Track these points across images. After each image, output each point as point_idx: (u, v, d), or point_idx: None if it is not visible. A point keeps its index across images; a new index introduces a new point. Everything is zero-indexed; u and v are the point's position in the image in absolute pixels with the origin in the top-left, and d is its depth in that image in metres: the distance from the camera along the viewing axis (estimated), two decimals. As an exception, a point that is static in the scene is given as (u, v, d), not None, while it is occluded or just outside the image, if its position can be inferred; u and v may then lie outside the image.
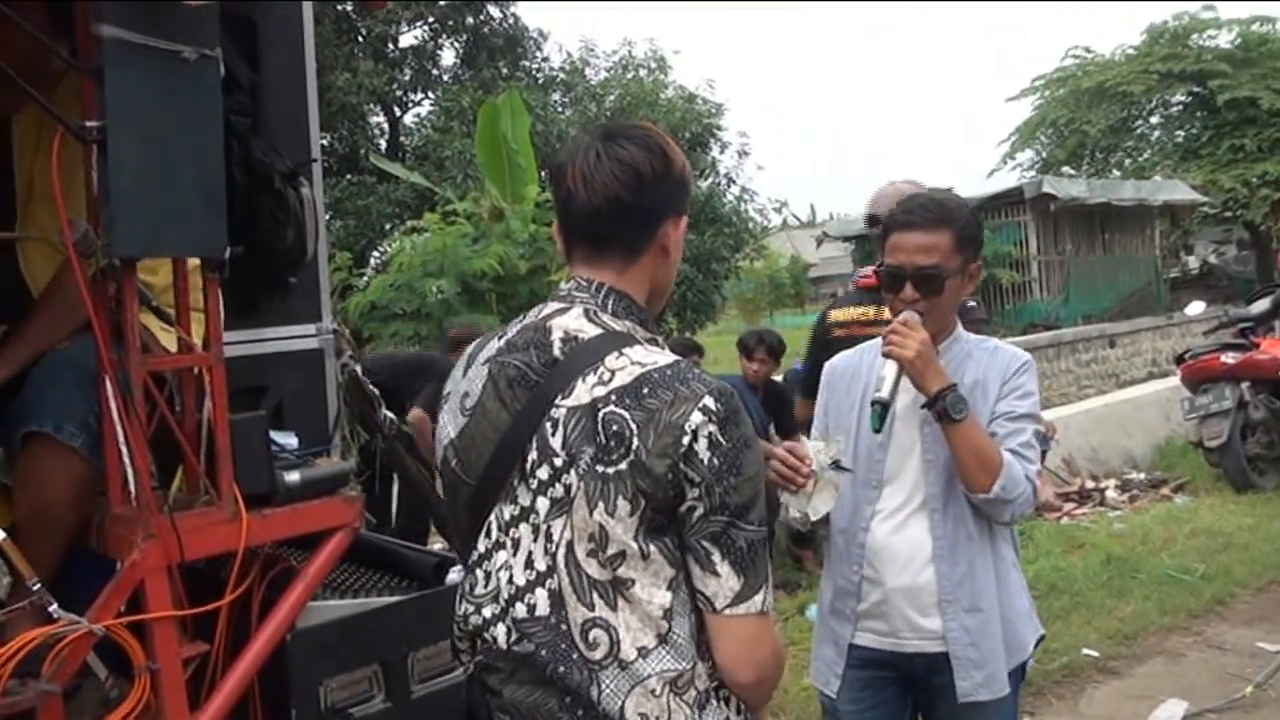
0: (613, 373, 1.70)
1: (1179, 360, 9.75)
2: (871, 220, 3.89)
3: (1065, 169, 25.33)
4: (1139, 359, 17.83)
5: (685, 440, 1.65)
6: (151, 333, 2.67)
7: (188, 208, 2.42)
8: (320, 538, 2.73)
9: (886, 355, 2.62)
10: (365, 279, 11.89)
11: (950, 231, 2.65)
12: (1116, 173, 26.41)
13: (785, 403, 6.98)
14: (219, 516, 2.51)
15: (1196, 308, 15.31)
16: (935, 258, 2.64)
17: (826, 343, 3.75)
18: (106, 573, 2.43)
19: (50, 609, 2.31)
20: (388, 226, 17.64)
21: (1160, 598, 6.38)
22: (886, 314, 3.70)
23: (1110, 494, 9.41)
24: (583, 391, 1.70)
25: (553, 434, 1.71)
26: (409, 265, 9.72)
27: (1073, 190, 19.64)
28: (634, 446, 1.65)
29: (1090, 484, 9.68)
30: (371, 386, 3.52)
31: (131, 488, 2.43)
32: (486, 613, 1.78)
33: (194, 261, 2.62)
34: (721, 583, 1.69)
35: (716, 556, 1.68)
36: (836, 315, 4.04)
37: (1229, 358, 9.12)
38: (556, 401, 1.72)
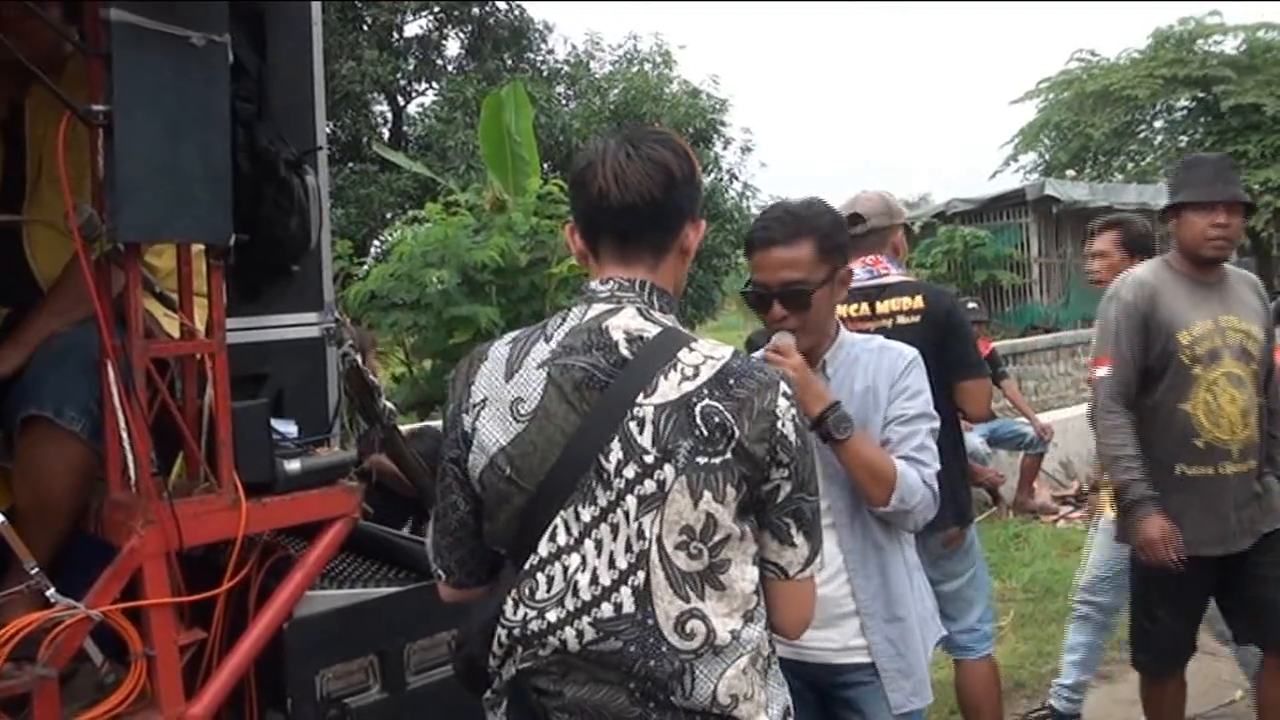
0: (695, 368, 1.78)
1: (1178, 365, 9.71)
2: (853, 219, 3.90)
3: (1068, 172, 25.32)
4: (1138, 363, 17.80)
5: (778, 425, 1.78)
6: (154, 318, 2.68)
7: (193, 193, 2.42)
8: (319, 527, 2.73)
9: None
10: (365, 268, 11.86)
11: (811, 241, 2.57)
12: (1119, 176, 26.40)
13: None
14: (218, 504, 2.51)
15: (1196, 313, 15.28)
16: (799, 272, 2.56)
17: None
18: (105, 558, 2.43)
19: (48, 593, 2.31)
20: (389, 216, 17.64)
21: (1155, 603, 6.38)
22: (884, 306, 3.82)
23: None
24: (668, 388, 1.76)
25: (640, 432, 1.75)
26: (409, 255, 9.68)
27: (1075, 193, 19.63)
28: (736, 435, 1.74)
29: (1087, 487, 9.68)
30: (372, 378, 3.53)
31: (131, 473, 2.43)
32: (551, 616, 1.78)
33: (198, 247, 2.62)
34: (797, 552, 1.85)
35: (794, 528, 1.84)
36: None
37: (1228, 364, 9.08)
38: (639, 400, 1.76)
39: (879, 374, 2.67)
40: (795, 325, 2.60)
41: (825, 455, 2.59)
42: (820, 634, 2.60)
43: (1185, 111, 26.34)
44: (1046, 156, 27.74)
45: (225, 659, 2.55)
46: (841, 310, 3.90)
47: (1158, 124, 27.39)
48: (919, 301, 3.80)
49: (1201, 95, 24.78)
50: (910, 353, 2.73)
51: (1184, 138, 26.44)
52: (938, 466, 2.64)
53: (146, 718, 2.40)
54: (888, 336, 3.43)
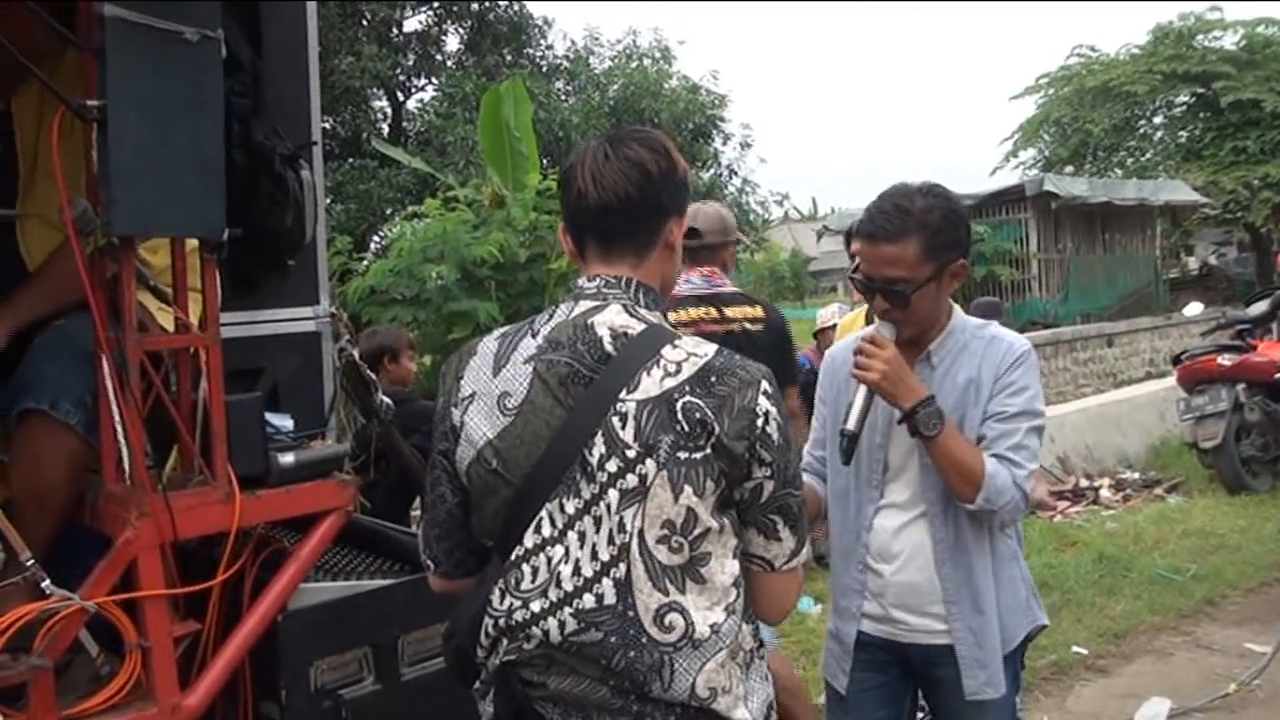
0: (677, 365, 1.81)
1: (1176, 361, 9.75)
2: (690, 233, 4.12)
3: (1067, 168, 25.30)
4: (1136, 359, 17.85)
5: (759, 423, 1.81)
6: (149, 312, 2.68)
7: (187, 188, 2.43)
8: (314, 520, 2.74)
9: (854, 378, 2.58)
10: (365, 263, 11.87)
11: (917, 239, 2.52)
12: (1118, 172, 26.38)
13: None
14: (213, 496, 2.52)
15: (1195, 309, 15.30)
16: (901, 270, 2.53)
17: None
18: (100, 550, 2.45)
19: (43, 585, 2.33)
20: (389, 211, 17.61)
21: (1151, 597, 6.41)
22: (732, 312, 4.05)
23: (1104, 493, 9.42)
24: (650, 384, 1.79)
25: (622, 427, 1.77)
26: (409, 250, 9.69)
27: (1074, 189, 19.61)
28: (715, 431, 1.76)
29: (1085, 482, 9.70)
30: (368, 371, 3.53)
31: (126, 466, 2.44)
32: (535, 607, 1.80)
33: (192, 242, 2.63)
34: (783, 545, 1.89)
35: (780, 524, 1.87)
36: (676, 317, 4.22)
37: (1226, 359, 9.11)
38: (622, 396, 1.78)
39: (984, 366, 2.63)
40: (898, 318, 2.60)
41: (920, 445, 2.61)
42: (912, 618, 2.67)
43: (1185, 107, 26.36)
44: (1046, 152, 27.73)
45: (220, 650, 2.56)
46: (692, 313, 4.10)
47: (1157, 120, 27.41)
48: (759, 311, 4.13)
49: (1201, 91, 24.79)
50: (1021, 346, 2.68)
51: (1183, 133, 26.47)
52: (1034, 466, 2.60)
53: (141, 709, 2.41)
54: (738, 340, 3.64)
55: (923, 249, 2.53)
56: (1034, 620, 2.78)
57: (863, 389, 2.56)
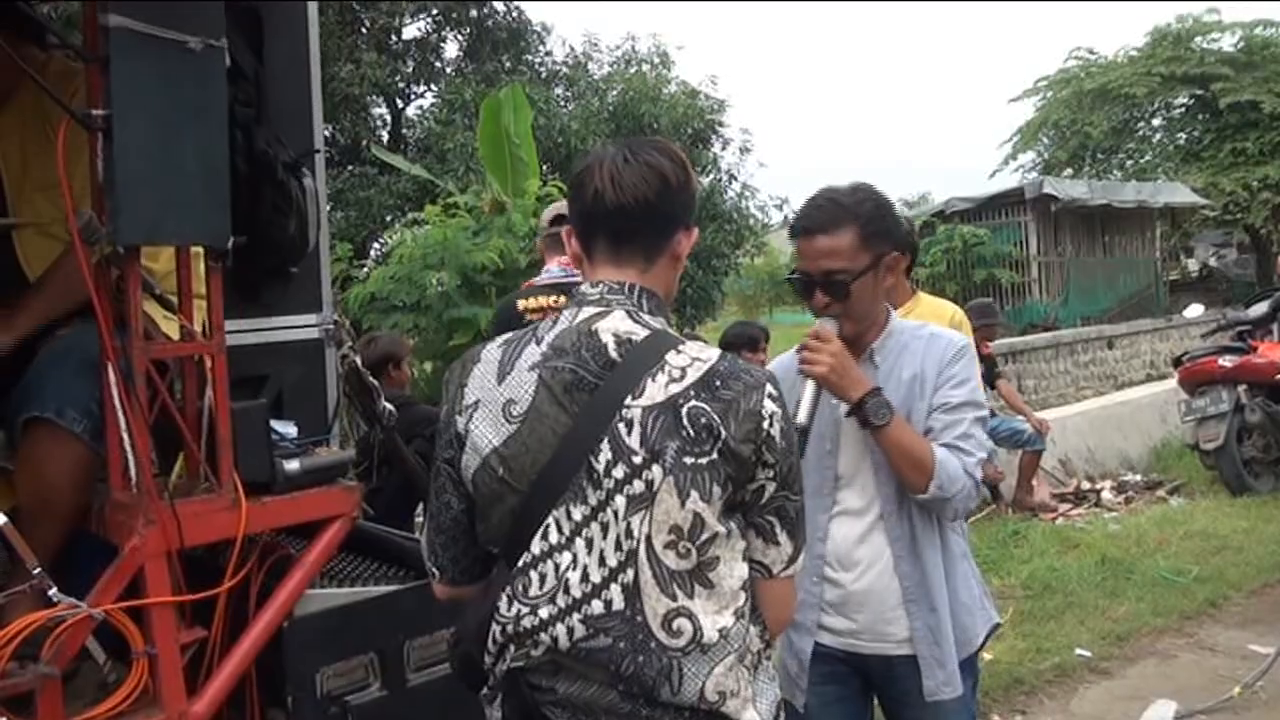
0: (682, 370, 1.81)
1: (1177, 363, 9.77)
2: (559, 219, 4.48)
3: (1066, 170, 25.32)
4: (1137, 361, 17.83)
5: (764, 426, 1.81)
6: (153, 320, 2.69)
7: (191, 196, 2.44)
8: (318, 526, 2.74)
9: (801, 373, 2.59)
10: (365, 270, 11.91)
11: (852, 229, 2.56)
12: (1118, 174, 26.40)
13: None
14: (219, 503, 2.53)
15: (1195, 310, 15.29)
16: (839, 261, 2.56)
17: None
18: (107, 558, 2.45)
19: (50, 593, 2.33)
20: (389, 218, 17.64)
21: (1153, 599, 6.41)
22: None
23: (1106, 495, 9.44)
24: (656, 390, 1.79)
25: (628, 433, 1.78)
26: (409, 257, 9.72)
27: (1073, 191, 19.64)
28: (721, 436, 1.77)
29: (1086, 485, 9.71)
30: (371, 378, 3.54)
31: (132, 474, 2.45)
32: (544, 613, 1.81)
33: (196, 249, 2.64)
34: (780, 550, 1.89)
35: (778, 527, 1.88)
36: (526, 304, 4.61)
37: (1226, 361, 9.13)
38: (627, 402, 1.79)
39: (927, 361, 2.66)
40: (839, 312, 2.62)
41: (872, 444, 2.62)
42: (874, 626, 2.66)
43: (1183, 109, 26.39)
44: (1045, 155, 27.76)
45: (226, 657, 2.56)
46: (543, 301, 4.37)
47: (1156, 122, 27.44)
48: None
49: (1199, 93, 24.82)
50: (960, 340, 2.72)
51: (1182, 135, 26.51)
52: (982, 455, 2.63)
53: (148, 716, 2.42)
54: None
55: (858, 238, 2.57)
56: (990, 619, 2.80)
57: (810, 384, 2.57)
